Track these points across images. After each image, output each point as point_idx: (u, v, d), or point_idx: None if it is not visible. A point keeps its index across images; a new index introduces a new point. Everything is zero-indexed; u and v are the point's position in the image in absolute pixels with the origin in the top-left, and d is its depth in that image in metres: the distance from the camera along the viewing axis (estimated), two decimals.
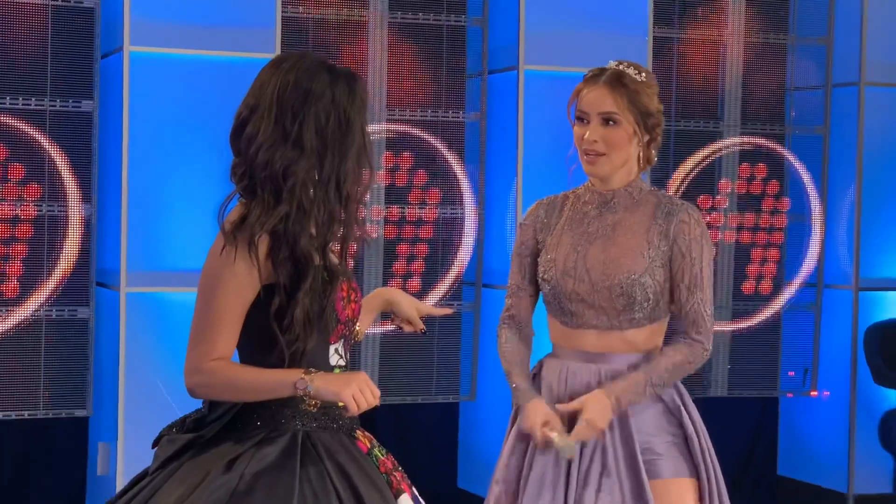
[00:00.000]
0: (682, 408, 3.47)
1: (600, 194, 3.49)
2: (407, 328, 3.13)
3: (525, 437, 3.49)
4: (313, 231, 2.72)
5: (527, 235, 3.55)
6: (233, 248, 2.68)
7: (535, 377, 3.55)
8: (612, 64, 3.47)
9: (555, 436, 3.36)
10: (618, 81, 3.41)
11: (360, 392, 2.68)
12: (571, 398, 3.42)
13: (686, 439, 3.45)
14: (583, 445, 3.39)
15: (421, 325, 3.12)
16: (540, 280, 3.51)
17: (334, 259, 2.77)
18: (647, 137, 3.45)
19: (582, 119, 3.44)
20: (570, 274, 3.44)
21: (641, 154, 3.47)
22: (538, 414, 3.39)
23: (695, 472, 3.44)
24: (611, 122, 3.41)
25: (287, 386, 2.68)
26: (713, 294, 3.51)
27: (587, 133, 3.41)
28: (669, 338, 3.50)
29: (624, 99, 3.40)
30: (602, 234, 3.47)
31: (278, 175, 2.69)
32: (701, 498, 3.43)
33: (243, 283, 2.69)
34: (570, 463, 3.39)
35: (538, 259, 3.52)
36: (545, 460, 3.42)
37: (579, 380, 3.45)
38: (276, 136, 2.70)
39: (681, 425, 3.46)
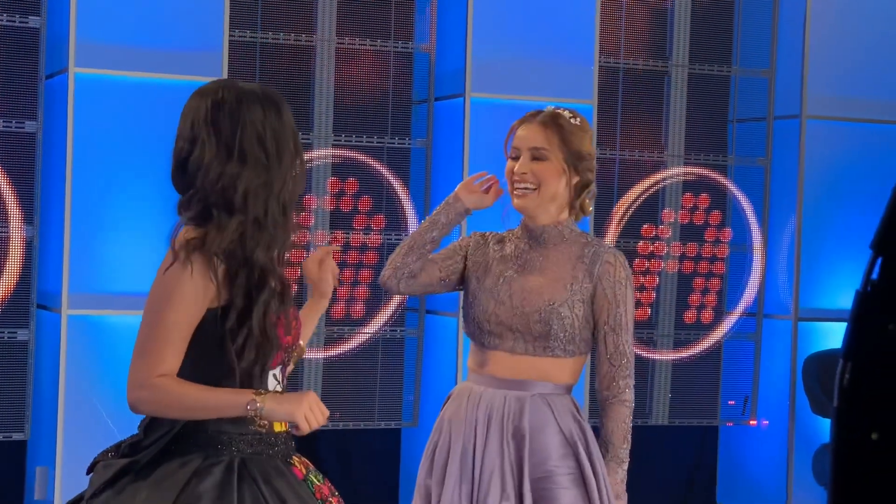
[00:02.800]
0: (581, 443, 3.52)
1: (530, 230, 3.60)
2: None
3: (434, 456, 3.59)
4: (268, 244, 2.74)
5: (461, 246, 3.67)
6: (188, 267, 2.67)
7: (448, 398, 3.65)
8: (549, 108, 3.61)
9: None
10: (551, 121, 3.55)
11: (310, 411, 2.68)
12: (477, 421, 3.51)
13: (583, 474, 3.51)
14: (481, 471, 3.47)
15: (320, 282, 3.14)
16: (465, 303, 3.61)
17: (285, 278, 2.80)
18: (576, 178, 3.55)
19: (515, 156, 3.56)
20: (493, 296, 3.54)
21: (572, 199, 3.58)
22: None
23: None
24: (540, 158, 3.53)
25: (237, 407, 2.67)
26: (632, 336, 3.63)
27: (517, 166, 3.53)
28: (593, 374, 3.59)
29: (556, 137, 3.52)
30: (530, 265, 3.58)
31: (228, 189, 2.71)
32: None
33: (193, 302, 2.68)
34: (472, 486, 3.48)
35: (465, 282, 3.63)
36: (452, 488, 3.48)
37: (485, 403, 3.53)
38: (221, 155, 2.72)
39: (577, 458, 3.51)
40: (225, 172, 2.71)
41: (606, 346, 3.53)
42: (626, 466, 3.53)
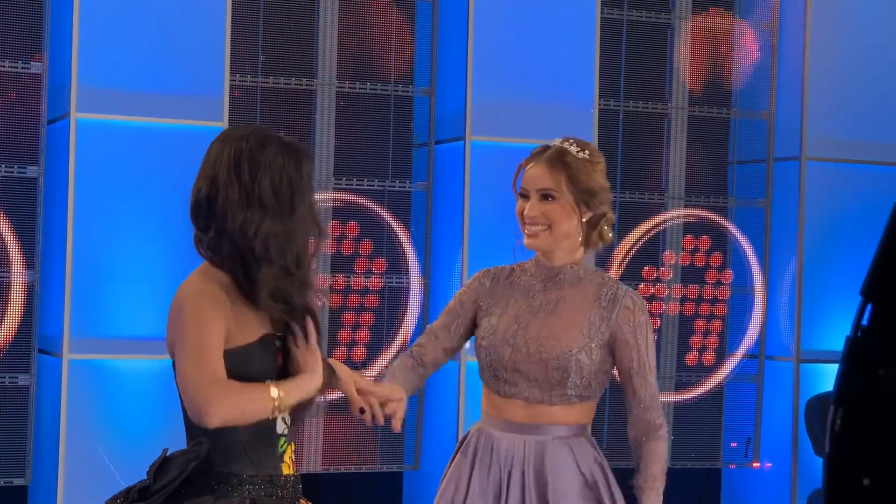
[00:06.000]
0: (602, 484, 3.52)
1: (547, 269, 3.53)
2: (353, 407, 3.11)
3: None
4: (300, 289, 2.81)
5: (466, 297, 3.57)
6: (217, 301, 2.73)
7: (463, 442, 3.58)
8: (556, 141, 3.52)
9: None
10: (558, 159, 3.46)
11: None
12: (497, 465, 3.47)
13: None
14: None
15: (357, 405, 3.08)
16: (477, 346, 3.54)
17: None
18: (589, 214, 3.48)
19: (524, 195, 3.50)
20: (508, 342, 3.47)
21: (586, 231, 3.51)
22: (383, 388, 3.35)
23: None
24: (549, 198, 3.46)
25: (269, 396, 2.73)
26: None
27: (527, 209, 3.47)
28: (623, 414, 3.58)
29: (563, 176, 3.45)
30: (545, 308, 3.50)
31: (250, 235, 2.75)
32: None
33: (224, 328, 2.74)
34: None
35: (477, 323, 3.55)
36: None
37: (505, 447, 3.49)
38: (242, 200, 2.76)
39: (599, 501, 3.50)
40: (248, 219, 2.75)
41: (636, 391, 3.48)
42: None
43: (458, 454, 3.58)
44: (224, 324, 2.73)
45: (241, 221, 2.75)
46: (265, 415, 2.73)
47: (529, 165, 3.49)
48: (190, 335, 2.72)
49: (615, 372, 3.54)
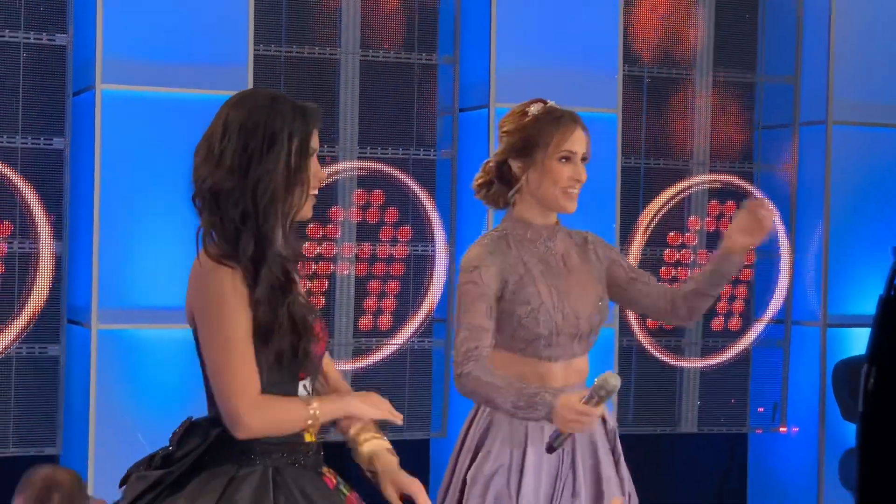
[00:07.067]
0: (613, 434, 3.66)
1: (549, 228, 3.60)
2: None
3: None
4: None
5: (491, 279, 3.52)
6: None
7: (488, 427, 3.60)
8: (560, 106, 3.61)
9: (600, 383, 3.23)
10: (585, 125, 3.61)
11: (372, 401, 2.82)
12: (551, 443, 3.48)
13: (616, 462, 3.63)
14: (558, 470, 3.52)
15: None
16: (518, 320, 3.51)
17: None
18: None
19: (568, 158, 3.52)
20: (555, 306, 3.52)
21: None
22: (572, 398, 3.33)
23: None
24: (583, 161, 3.57)
25: (305, 414, 2.74)
26: None
27: (578, 172, 3.53)
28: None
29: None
30: (562, 265, 3.60)
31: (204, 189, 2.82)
32: None
33: (245, 306, 2.71)
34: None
35: (505, 299, 3.53)
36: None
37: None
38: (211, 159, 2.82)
39: (614, 451, 3.63)
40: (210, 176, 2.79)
41: (638, 277, 3.68)
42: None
43: (490, 428, 3.60)
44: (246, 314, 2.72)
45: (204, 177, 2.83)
46: (296, 430, 2.76)
47: (577, 131, 3.55)
48: (215, 342, 2.72)
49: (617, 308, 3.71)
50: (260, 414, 2.70)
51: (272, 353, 2.71)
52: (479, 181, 3.65)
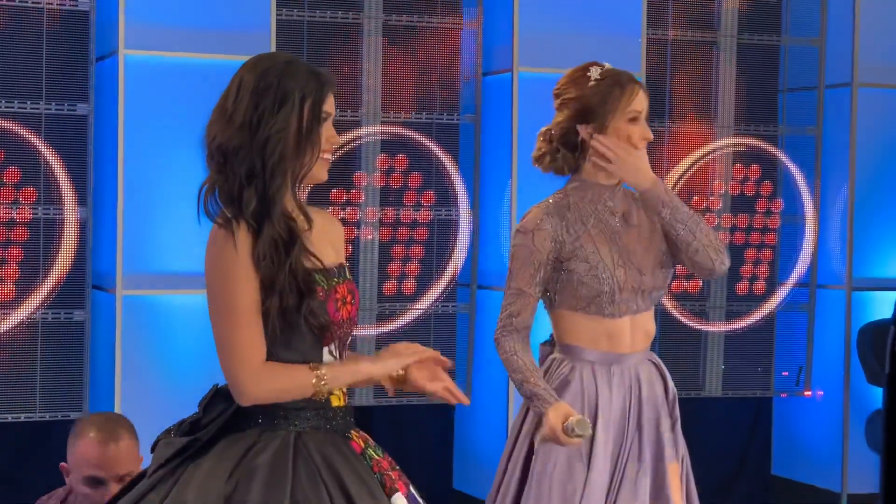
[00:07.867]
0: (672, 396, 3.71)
1: (609, 189, 3.63)
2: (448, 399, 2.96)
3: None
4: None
5: (544, 242, 3.56)
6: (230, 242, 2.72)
7: (566, 385, 3.60)
8: (605, 65, 3.65)
9: (573, 423, 3.39)
10: None
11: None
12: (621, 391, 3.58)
13: (673, 425, 3.66)
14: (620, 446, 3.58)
15: (459, 397, 2.94)
16: (578, 282, 3.55)
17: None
18: None
19: (635, 118, 3.59)
20: (619, 265, 3.57)
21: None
22: (559, 416, 3.45)
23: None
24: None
25: (310, 381, 2.74)
26: None
27: (645, 132, 3.59)
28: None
29: None
30: (622, 224, 3.62)
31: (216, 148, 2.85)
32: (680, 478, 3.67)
33: (251, 274, 2.71)
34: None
35: (565, 259, 3.57)
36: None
37: (627, 379, 3.60)
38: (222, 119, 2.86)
39: (671, 415, 3.67)
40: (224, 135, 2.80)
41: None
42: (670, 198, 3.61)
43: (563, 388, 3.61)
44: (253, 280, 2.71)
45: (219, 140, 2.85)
46: (304, 396, 2.76)
47: (641, 92, 3.61)
48: (219, 313, 2.73)
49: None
50: (262, 383, 2.71)
51: (277, 309, 2.71)
52: (542, 150, 3.66)
